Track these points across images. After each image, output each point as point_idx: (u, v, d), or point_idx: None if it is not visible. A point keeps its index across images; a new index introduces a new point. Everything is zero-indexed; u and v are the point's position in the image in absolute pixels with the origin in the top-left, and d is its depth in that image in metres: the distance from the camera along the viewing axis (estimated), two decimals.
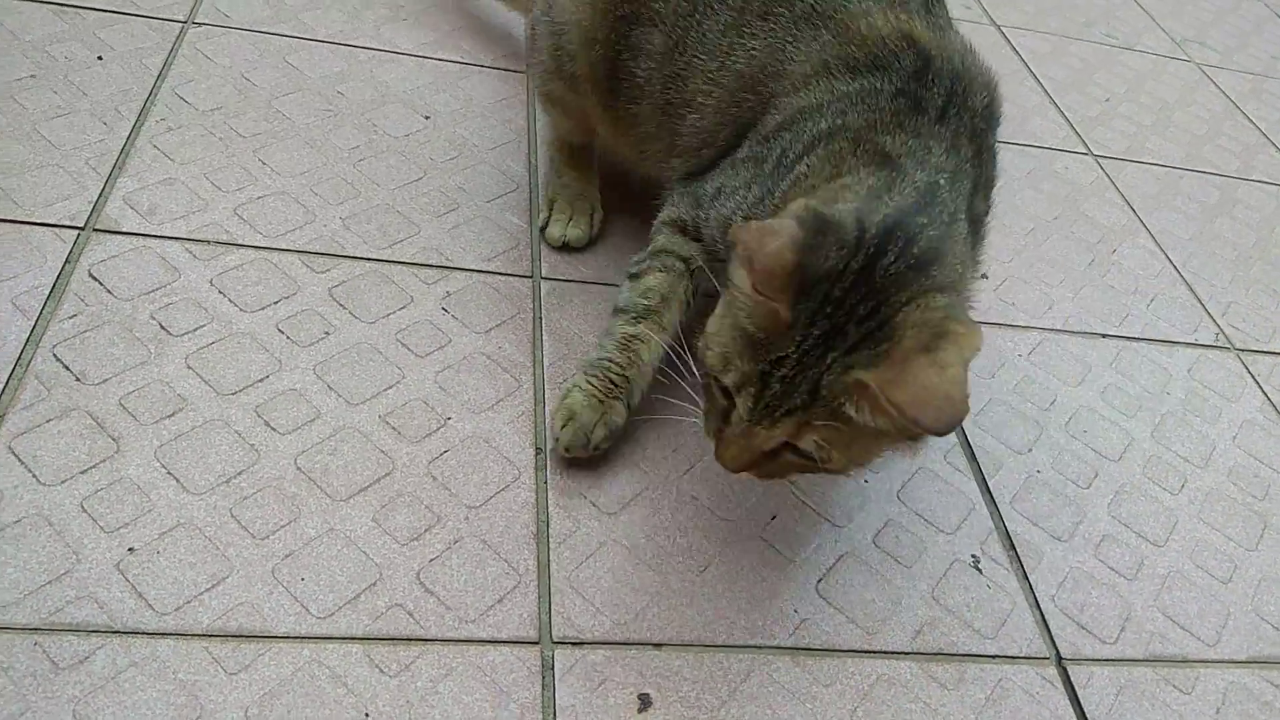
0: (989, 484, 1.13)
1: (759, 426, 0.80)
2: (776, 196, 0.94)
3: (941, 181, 0.89)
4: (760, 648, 0.92)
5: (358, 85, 1.44)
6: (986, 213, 0.99)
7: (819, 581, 0.99)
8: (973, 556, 1.05)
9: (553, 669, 0.87)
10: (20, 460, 0.90)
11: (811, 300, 0.78)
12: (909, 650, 0.96)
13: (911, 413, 0.71)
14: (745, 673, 0.90)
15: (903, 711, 0.91)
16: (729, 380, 0.81)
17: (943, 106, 0.94)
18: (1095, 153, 1.79)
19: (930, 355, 0.74)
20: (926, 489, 1.11)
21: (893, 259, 0.79)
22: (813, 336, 0.77)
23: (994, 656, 0.97)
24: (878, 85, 0.96)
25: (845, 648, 0.94)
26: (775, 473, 0.86)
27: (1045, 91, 1.93)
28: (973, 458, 1.16)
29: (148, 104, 1.30)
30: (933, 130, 0.93)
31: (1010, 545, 1.08)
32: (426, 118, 1.42)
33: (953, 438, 1.18)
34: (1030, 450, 1.19)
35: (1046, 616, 1.02)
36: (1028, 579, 1.05)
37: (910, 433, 0.78)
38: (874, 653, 0.95)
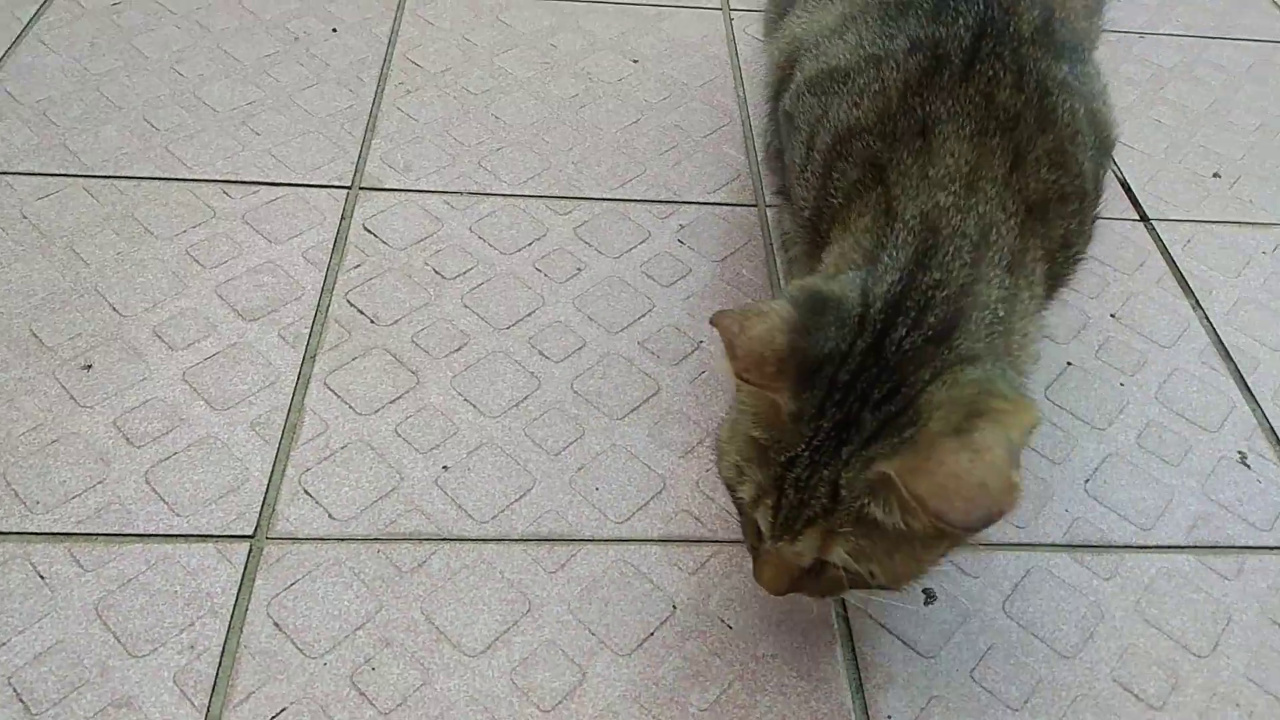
0: (1248, 382, 1.11)
1: (783, 543, 0.70)
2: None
3: (948, 203, 0.75)
4: (1036, 545, 0.94)
5: (568, 36, 1.50)
6: (1083, 195, 0.83)
7: (1086, 482, 1.00)
8: (1239, 453, 1.04)
9: None
10: (336, 394, 1.00)
11: (816, 388, 0.67)
12: (1186, 544, 0.96)
13: (934, 505, 0.59)
14: (1024, 569, 0.92)
15: (1186, 602, 0.91)
16: (745, 494, 0.72)
17: (969, 51, 0.82)
18: None
19: (962, 438, 0.62)
20: (1185, 389, 1.09)
21: (904, 332, 0.69)
22: (824, 430, 0.67)
23: (1272, 548, 0.96)
24: (896, 31, 0.86)
25: (1121, 543, 0.95)
26: (829, 590, 0.74)
27: None
28: (1228, 356, 1.13)
29: (384, 70, 1.40)
30: (950, 101, 0.80)
31: (1276, 440, 1.05)
32: (635, 61, 1.47)
33: (1205, 336, 1.15)
34: None
35: None
36: None
37: (943, 533, 0.64)
38: (1151, 547, 0.95)
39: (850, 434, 0.66)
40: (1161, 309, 1.18)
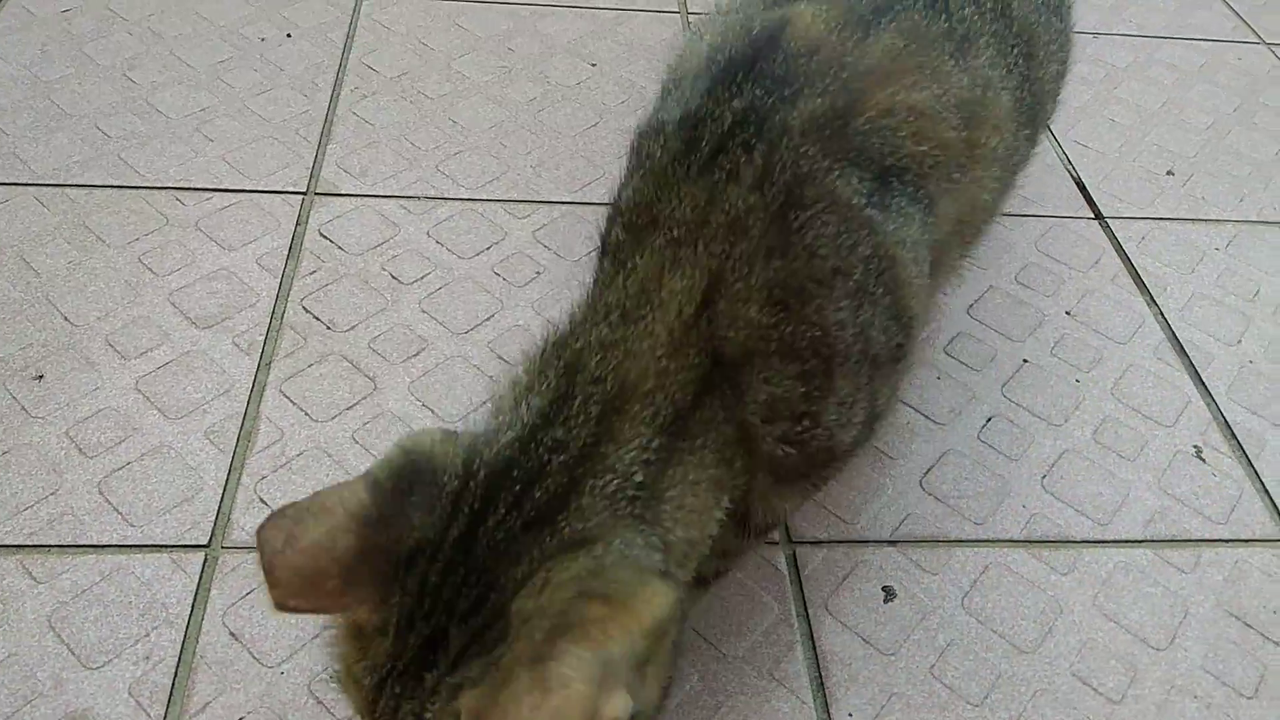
0: (1202, 377, 1.12)
1: None
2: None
3: (598, 337, 0.62)
4: (994, 541, 0.95)
5: (525, 40, 1.50)
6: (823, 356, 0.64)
7: (1044, 478, 1.00)
8: (1195, 447, 1.05)
9: (795, 565, 0.91)
10: (292, 401, 0.99)
11: (407, 593, 0.54)
12: (1143, 538, 0.97)
13: None
14: (982, 565, 0.93)
15: (1143, 596, 0.92)
16: (352, 709, 0.57)
17: (723, 137, 0.65)
18: (1268, 41, 1.71)
19: (535, 671, 0.49)
20: (1140, 385, 1.11)
21: (502, 513, 0.55)
22: (411, 647, 0.53)
23: (1228, 540, 0.97)
24: (681, 99, 0.70)
25: (1079, 538, 0.96)
26: None
27: None
28: (1182, 352, 1.15)
29: (340, 74, 1.39)
30: (671, 198, 0.64)
31: (1231, 434, 1.07)
32: (593, 65, 1.47)
33: (1160, 332, 1.17)
34: (1240, 341, 1.17)
35: (1276, 500, 1.01)
36: (1253, 465, 1.04)
37: None
38: (1108, 542, 0.96)
39: (437, 654, 0.53)
40: (1116, 306, 1.20)
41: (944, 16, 0.74)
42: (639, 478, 0.59)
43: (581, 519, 0.56)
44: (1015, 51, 0.79)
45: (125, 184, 1.19)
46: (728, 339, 0.62)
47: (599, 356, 0.61)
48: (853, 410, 0.67)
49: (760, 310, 0.61)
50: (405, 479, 0.56)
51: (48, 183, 1.19)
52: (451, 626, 0.53)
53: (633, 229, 0.66)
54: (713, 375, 0.62)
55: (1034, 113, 0.83)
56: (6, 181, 1.18)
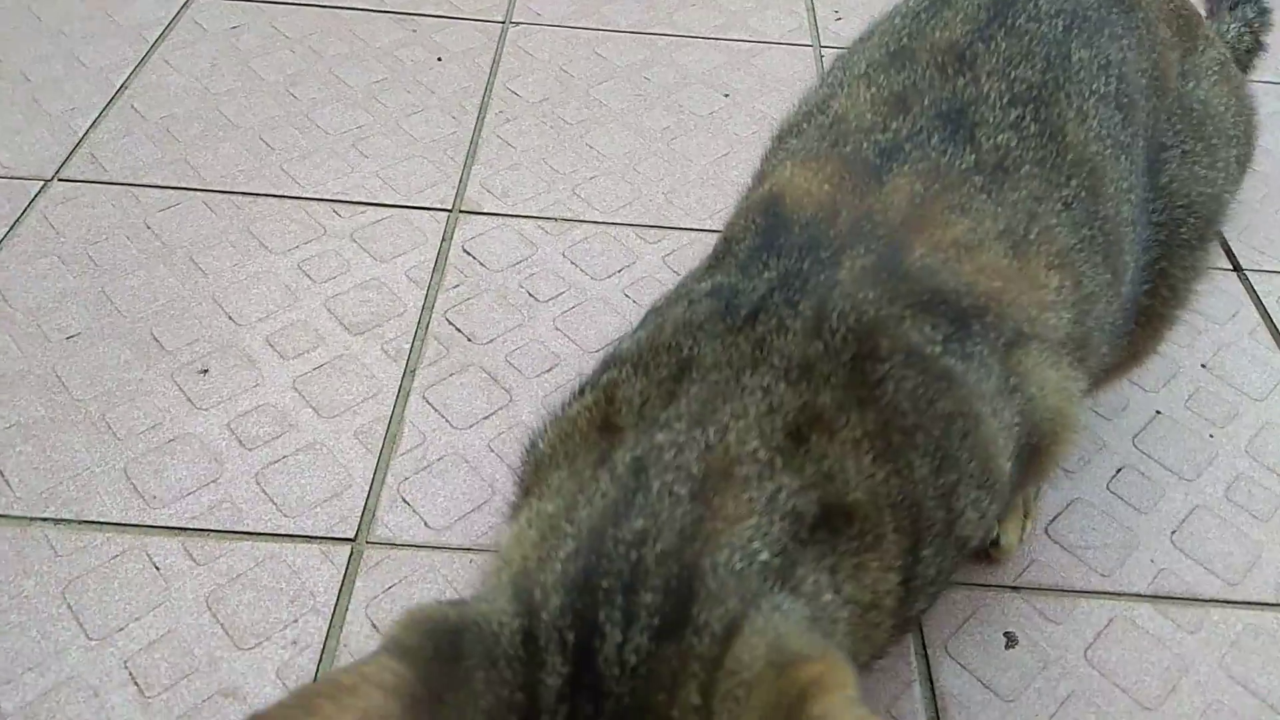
0: None
1: None
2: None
3: (663, 440, 0.54)
4: (1120, 595, 0.94)
5: (661, 70, 1.54)
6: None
7: (1173, 533, 0.99)
8: None
9: None
10: (434, 408, 1.04)
11: None
12: (1274, 601, 0.94)
13: None
14: (1107, 618, 0.92)
15: (1273, 660, 0.90)
16: None
17: (760, 299, 0.61)
18: None
19: None
20: (1277, 444, 1.08)
21: (620, 637, 0.46)
22: None
23: None
24: (707, 277, 0.68)
25: (1208, 597, 0.94)
26: None
27: None
28: None
29: (485, 98, 1.45)
30: (724, 349, 0.59)
31: None
32: (726, 95, 1.50)
33: None
34: None
35: None
36: None
37: None
38: (1238, 603, 0.94)
39: None
40: (1254, 360, 1.17)
41: (968, 148, 0.67)
42: (763, 555, 0.51)
43: (720, 601, 0.48)
44: (1073, 184, 0.70)
45: (286, 194, 1.27)
46: (825, 479, 0.55)
47: (672, 451, 0.54)
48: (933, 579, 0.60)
49: (859, 459, 0.55)
50: (446, 640, 0.46)
51: (216, 189, 1.27)
52: None
53: (652, 371, 0.59)
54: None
55: (1108, 253, 0.72)
56: (179, 185, 1.27)
